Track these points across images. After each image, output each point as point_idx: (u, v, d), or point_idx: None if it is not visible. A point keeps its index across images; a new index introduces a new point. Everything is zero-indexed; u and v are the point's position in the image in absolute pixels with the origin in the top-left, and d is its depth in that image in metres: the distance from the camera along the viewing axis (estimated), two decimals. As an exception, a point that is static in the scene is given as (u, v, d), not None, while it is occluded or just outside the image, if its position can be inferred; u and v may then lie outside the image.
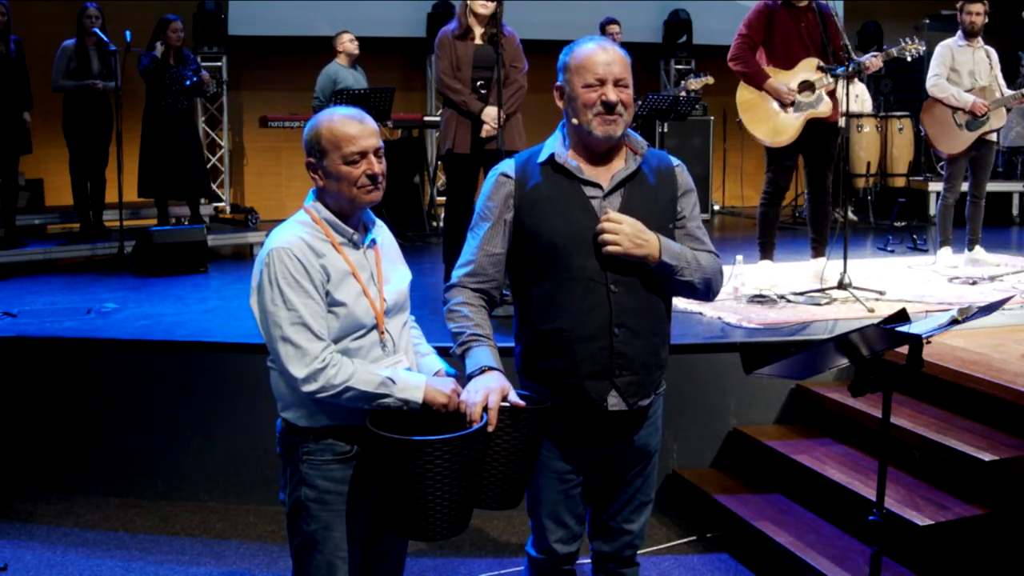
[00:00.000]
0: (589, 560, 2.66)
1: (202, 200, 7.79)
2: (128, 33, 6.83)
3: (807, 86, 5.20)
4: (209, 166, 9.14)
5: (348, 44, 7.80)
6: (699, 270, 2.37)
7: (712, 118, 9.40)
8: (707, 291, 2.43)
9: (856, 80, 8.50)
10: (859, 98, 8.79)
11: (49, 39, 7.40)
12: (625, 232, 2.26)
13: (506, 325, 2.57)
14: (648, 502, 2.57)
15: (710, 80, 7.98)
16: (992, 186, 7.37)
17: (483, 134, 4.94)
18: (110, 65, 6.90)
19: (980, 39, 6.08)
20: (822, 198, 5.43)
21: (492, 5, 4.92)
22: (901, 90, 10.15)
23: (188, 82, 7.16)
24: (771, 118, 5.27)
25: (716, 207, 10.10)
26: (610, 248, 2.26)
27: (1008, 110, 6.15)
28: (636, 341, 2.35)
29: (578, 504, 2.51)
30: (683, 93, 8.07)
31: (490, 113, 4.90)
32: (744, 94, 5.36)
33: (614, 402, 2.36)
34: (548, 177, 2.37)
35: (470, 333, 2.34)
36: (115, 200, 6.96)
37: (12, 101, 6.57)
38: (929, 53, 6.21)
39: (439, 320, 2.44)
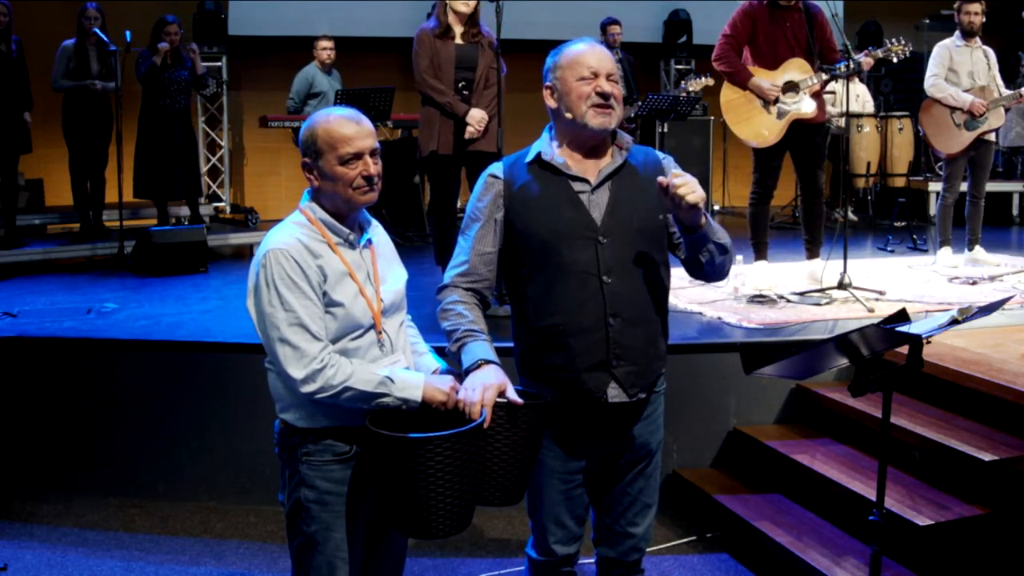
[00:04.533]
0: (592, 562, 2.66)
1: (202, 200, 7.80)
2: (128, 33, 6.84)
3: (791, 87, 5.18)
4: (209, 166, 9.16)
5: (321, 51, 7.88)
6: (723, 232, 2.37)
7: (712, 118, 9.40)
8: (726, 259, 2.41)
9: (856, 80, 8.52)
10: (860, 98, 8.80)
11: (49, 39, 7.40)
12: (695, 183, 2.23)
13: (506, 325, 2.58)
14: (652, 504, 2.56)
15: (710, 81, 7.98)
16: (992, 186, 7.37)
17: (467, 135, 4.92)
18: (110, 65, 6.91)
19: (978, 39, 6.08)
20: (815, 198, 5.42)
21: (473, 4, 4.89)
22: (901, 90, 10.15)
23: (184, 71, 7.20)
24: (755, 118, 5.25)
25: (716, 207, 10.09)
26: (692, 198, 2.20)
27: (1007, 110, 6.15)
28: (633, 331, 2.35)
29: (578, 505, 2.50)
30: (683, 94, 8.07)
31: (475, 115, 4.88)
32: (728, 94, 5.32)
33: (614, 393, 2.37)
34: (536, 176, 2.40)
35: (464, 329, 2.35)
36: (115, 200, 6.97)
37: (13, 101, 6.58)
38: (929, 52, 6.22)
39: (437, 315, 2.45)
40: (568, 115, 2.37)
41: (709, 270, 2.43)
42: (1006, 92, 6.01)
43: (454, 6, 4.90)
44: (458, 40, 4.95)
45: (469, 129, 4.89)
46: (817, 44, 5.16)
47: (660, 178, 2.24)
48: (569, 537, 2.51)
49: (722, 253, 2.39)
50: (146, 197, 7.41)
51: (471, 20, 4.94)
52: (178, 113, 7.31)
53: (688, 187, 2.20)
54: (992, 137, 6.14)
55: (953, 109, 5.99)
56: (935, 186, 8.59)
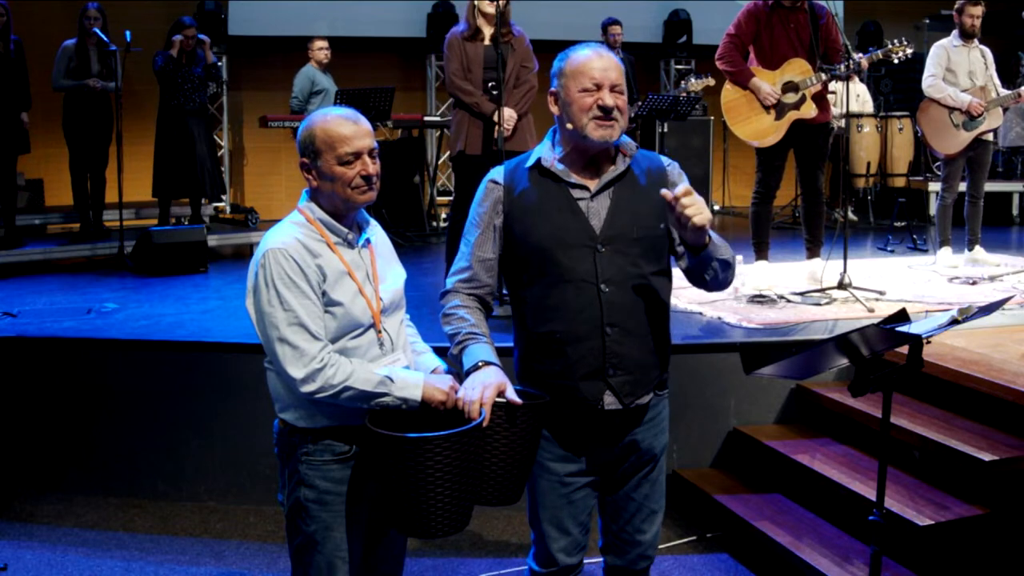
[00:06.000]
0: (597, 561, 2.64)
1: (202, 200, 7.82)
2: (128, 33, 6.85)
3: (791, 86, 5.19)
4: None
5: (319, 52, 7.99)
6: (725, 247, 2.34)
7: (712, 118, 9.41)
8: (728, 273, 2.37)
9: (856, 80, 8.52)
10: (860, 98, 8.80)
11: (49, 39, 7.42)
12: (702, 203, 2.20)
13: (508, 326, 2.57)
14: (658, 510, 2.53)
15: (711, 82, 7.99)
16: (992, 186, 7.38)
17: (496, 135, 4.94)
18: (110, 65, 6.92)
19: (976, 39, 6.08)
20: (815, 198, 5.42)
21: (500, 2, 4.92)
22: (901, 90, 10.15)
23: (198, 69, 7.30)
24: (755, 118, 5.25)
25: (716, 207, 10.10)
26: (698, 220, 2.17)
27: (1005, 110, 6.15)
28: (629, 340, 2.34)
29: (581, 510, 2.48)
30: (683, 94, 8.07)
31: (504, 114, 4.90)
32: (729, 94, 5.33)
33: (610, 401, 2.36)
34: (536, 182, 2.38)
35: (466, 332, 2.35)
36: (115, 200, 6.97)
37: (11, 101, 6.58)
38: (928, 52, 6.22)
39: (439, 319, 2.45)
40: (569, 125, 2.34)
41: (712, 284, 2.39)
42: (1004, 92, 6.02)
43: (481, 7, 4.94)
44: (487, 41, 4.98)
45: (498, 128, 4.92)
46: (821, 45, 5.16)
47: (664, 191, 2.20)
48: (573, 545, 2.48)
49: (725, 269, 2.36)
50: (163, 196, 7.46)
51: (500, 20, 4.96)
52: (194, 112, 7.39)
53: (696, 208, 2.17)
54: (990, 137, 6.14)
55: (951, 109, 5.99)
56: (935, 186, 8.58)
